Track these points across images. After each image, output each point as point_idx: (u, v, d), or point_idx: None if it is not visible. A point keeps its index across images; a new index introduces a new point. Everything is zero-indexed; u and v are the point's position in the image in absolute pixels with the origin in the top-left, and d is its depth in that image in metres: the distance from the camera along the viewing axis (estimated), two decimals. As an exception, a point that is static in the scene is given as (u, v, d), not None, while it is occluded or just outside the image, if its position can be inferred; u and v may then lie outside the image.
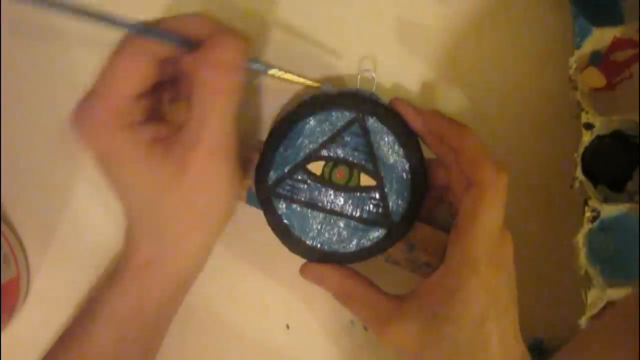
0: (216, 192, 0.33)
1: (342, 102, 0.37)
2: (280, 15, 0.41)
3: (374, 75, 0.40)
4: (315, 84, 0.38)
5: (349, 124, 0.37)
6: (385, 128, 0.37)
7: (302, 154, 0.37)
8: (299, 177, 0.38)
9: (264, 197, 0.38)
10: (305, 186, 0.38)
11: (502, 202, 0.34)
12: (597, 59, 0.38)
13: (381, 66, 0.41)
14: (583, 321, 0.38)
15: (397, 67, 0.41)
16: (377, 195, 0.38)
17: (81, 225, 0.43)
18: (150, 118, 0.33)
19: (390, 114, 0.37)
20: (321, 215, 0.38)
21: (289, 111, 0.38)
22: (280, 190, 0.38)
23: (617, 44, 0.37)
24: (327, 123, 0.37)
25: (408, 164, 0.37)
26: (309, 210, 0.38)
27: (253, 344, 0.44)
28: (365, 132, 0.37)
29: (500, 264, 0.34)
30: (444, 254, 0.35)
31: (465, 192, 0.34)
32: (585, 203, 0.38)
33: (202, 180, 0.31)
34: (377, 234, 0.38)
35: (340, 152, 0.37)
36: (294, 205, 0.38)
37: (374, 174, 0.37)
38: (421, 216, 0.38)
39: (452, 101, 0.41)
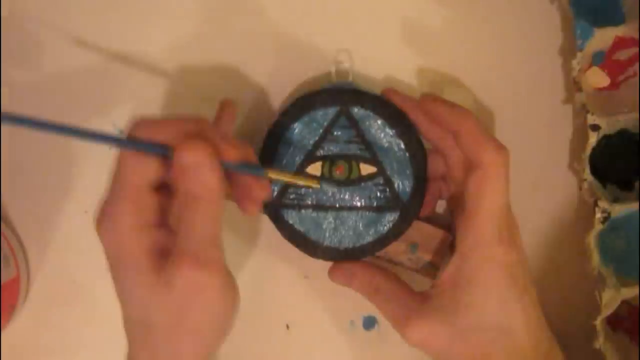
0: (207, 306, 0.31)
1: (322, 99, 0.37)
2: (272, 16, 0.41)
3: (347, 65, 0.40)
4: (314, 183, 0.37)
5: (335, 118, 0.37)
6: (371, 113, 0.37)
7: (297, 160, 0.37)
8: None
9: (272, 210, 0.38)
10: (310, 190, 0.38)
11: (506, 180, 0.34)
12: (599, 58, 0.38)
13: (383, 67, 0.41)
14: (598, 322, 0.37)
15: (400, 71, 0.41)
16: (381, 180, 0.38)
17: (81, 225, 0.43)
18: (161, 224, 0.32)
19: (372, 99, 0.37)
20: (332, 214, 0.38)
21: (273, 122, 0.38)
22: (287, 200, 0.38)
23: (619, 43, 0.37)
24: (314, 124, 0.37)
25: (403, 143, 0.37)
26: (320, 212, 0.38)
27: (253, 344, 0.44)
28: (353, 123, 0.37)
29: (512, 242, 0.34)
30: (448, 252, 0.35)
31: (469, 175, 0.34)
32: (595, 204, 0.38)
33: (189, 296, 0.30)
34: (391, 218, 0.38)
35: (334, 149, 0.37)
36: (304, 211, 0.38)
37: (373, 160, 0.37)
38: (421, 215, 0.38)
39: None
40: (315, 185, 0.37)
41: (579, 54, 0.37)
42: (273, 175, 0.35)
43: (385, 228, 0.38)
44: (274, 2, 0.41)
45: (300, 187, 0.38)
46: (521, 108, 0.41)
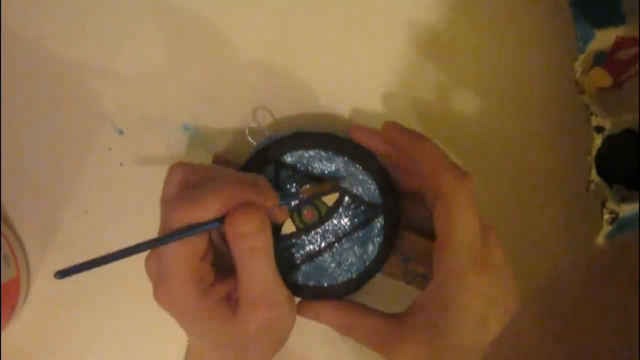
0: (276, 334, 0.36)
1: (254, 165, 0.38)
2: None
3: (256, 125, 0.41)
4: (336, 186, 0.38)
5: (276, 175, 0.38)
6: (302, 151, 0.38)
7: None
8: (285, 246, 0.38)
9: None
10: (296, 247, 0.38)
11: (470, 208, 0.33)
12: (601, 58, 0.38)
13: (386, 69, 0.41)
14: None
15: (405, 75, 0.41)
16: (349, 199, 0.38)
17: (81, 225, 0.43)
18: (218, 275, 0.35)
19: (292, 138, 0.38)
20: (328, 253, 0.38)
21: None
22: (284, 267, 0.38)
23: (620, 43, 0.37)
24: None
25: (345, 157, 0.38)
26: (317, 259, 0.38)
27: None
28: (292, 168, 0.38)
29: (487, 266, 0.34)
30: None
31: (434, 205, 0.34)
32: (603, 205, 0.37)
33: (263, 330, 0.34)
34: (378, 224, 0.38)
35: (292, 200, 0.38)
36: (303, 267, 0.38)
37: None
38: (411, 226, 0.38)
39: (459, 108, 0.41)
40: (335, 185, 0.38)
41: (580, 56, 0.37)
42: (303, 194, 0.37)
43: (380, 236, 0.38)
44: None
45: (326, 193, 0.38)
46: (524, 112, 0.41)
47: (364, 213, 0.38)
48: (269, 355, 0.37)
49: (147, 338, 0.44)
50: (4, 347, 0.43)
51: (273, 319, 0.34)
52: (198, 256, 0.33)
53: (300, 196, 0.37)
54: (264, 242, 0.33)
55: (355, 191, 0.38)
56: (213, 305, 0.34)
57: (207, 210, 0.32)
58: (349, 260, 0.38)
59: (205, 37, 0.41)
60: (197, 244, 0.33)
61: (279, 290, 0.35)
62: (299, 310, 0.39)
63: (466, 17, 0.40)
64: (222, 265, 0.35)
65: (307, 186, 0.37)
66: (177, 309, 0.34)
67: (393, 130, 0.36)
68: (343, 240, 0.38)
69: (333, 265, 0.38)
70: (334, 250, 0.38)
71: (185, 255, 0.33)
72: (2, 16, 0.42)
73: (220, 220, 0.33)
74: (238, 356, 0.36)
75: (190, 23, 0.41)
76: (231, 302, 0.34)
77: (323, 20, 0.41)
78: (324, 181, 0.38)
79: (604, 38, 0.36)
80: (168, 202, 0.33)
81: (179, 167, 0.35)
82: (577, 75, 0.37)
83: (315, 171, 0.38)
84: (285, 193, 0.37)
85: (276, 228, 0.38)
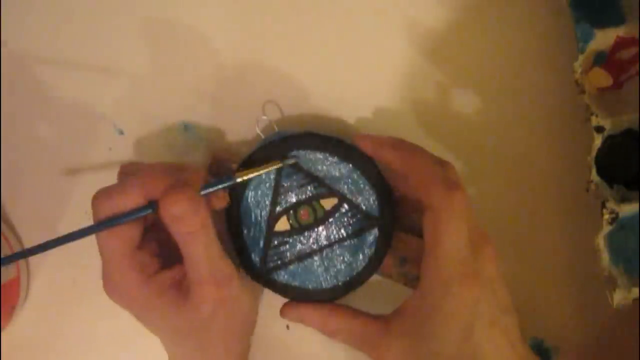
0: (230, 314, 0.35)
1: (259, 160, 0.37)
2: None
3: (266, 118, 0.40)
4: (278, 165, 0.37)
5: (279, 170, 0.38)
6: (308, 151, 0.37)
7: (263, 224, 0.38)
8: (276, 243, 0.38)
9: (262, 279, 0.39)
10: (287, 245, 0.38)
11: (459, 221, 0.33)
12: (601, 58, 0.38)
13: (385, 69, 0.41)
14: None
15: (406, 75, 0.41)
16: (347, 207, 0.38)
17: (81, 225, 0.43)
18: (164, 264, 0.36)
19: (301, 138, 0.37)
20: (318, 257, 0.38)
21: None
22: (271, 264, 0.38)
23: (620, 44, 0.37)
24: (263, 184, 0.38)
25: (349, 164, 0.38)
26: (306, 261, 0.38)
27: (253, 344, 0.44)
28: (297, 167, 0.38)
29: (476, 278, 0.33)
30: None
31: (424, 215, 0.34)
32: (603, 205, 0.37)
33: (215, 310, 0.34)
34: (372, 236, 0.38)
35: (291, 198, 0.38)
36: (291, 267, 0.38)
37: (331, 193, 0.38)
38: (409, 229, 0.38)
39: (460, 108, 0.41)
40: (278, 165, 0.37)
41: (580, 56, 0.37)
42: (241, 177, 0.36)
43: (372, 248, 0.38)
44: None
45: (268, 170, 0.37)
46: (524, 112, 0.41)
47: (360, 222, 0.38)
48: (233, 341, 0.37)
49: (147, 338, 0.44)
50: (4, 347, 0.43)
51: (225, 298, 0.34)
52: (131, 245, 0.33)
53: (237, 180, 0.36)
54: (200, 222, 0.33)
55: (354, 199, 0.38)
56: (159, 292, 0.34)
57: (129, 197, 0.33)
58: (337, 267, 0.38)
59: (205, 37, 0.41)
60: (128, 231, 0.33)
61: (225, 268, 0.34)
62: (284, 312, 0.39)
63: (467, 18, 0.40)
64: (171, 255, 0.36)
65: (239, 168, 0.37)
66: (123, 299, 0.34)
67: (380, 146, 0.36)
68: (335, 246, 0.38)
69: (321, 269, 0.38)
70: (324, 254, 0.38)
71: (116, 244, 0.33)
72: (2, 17, 0.42)
73: (154, 207, 0.33)
74: (199, 345, 0.36)
75: (191, 23, 0.41)
76: (182, 289, 0.35)
77: (325, 22, 0.41)
78: (324, 184, 0.38)
79: (604, 38, 0.36)
80: (95, 196, 0.34)
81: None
82: (577, 75, 0.37)
83: (318, 173, 0.38)
84: (220, 178, 0.36)
85: (270, 225, 0.38)
